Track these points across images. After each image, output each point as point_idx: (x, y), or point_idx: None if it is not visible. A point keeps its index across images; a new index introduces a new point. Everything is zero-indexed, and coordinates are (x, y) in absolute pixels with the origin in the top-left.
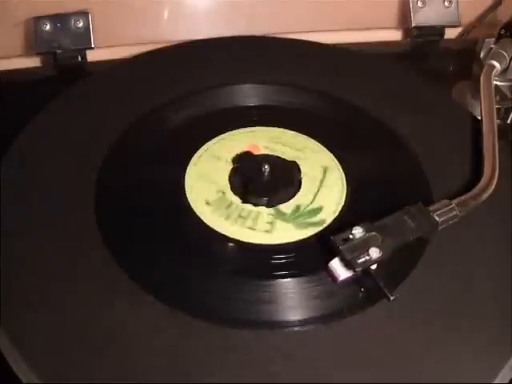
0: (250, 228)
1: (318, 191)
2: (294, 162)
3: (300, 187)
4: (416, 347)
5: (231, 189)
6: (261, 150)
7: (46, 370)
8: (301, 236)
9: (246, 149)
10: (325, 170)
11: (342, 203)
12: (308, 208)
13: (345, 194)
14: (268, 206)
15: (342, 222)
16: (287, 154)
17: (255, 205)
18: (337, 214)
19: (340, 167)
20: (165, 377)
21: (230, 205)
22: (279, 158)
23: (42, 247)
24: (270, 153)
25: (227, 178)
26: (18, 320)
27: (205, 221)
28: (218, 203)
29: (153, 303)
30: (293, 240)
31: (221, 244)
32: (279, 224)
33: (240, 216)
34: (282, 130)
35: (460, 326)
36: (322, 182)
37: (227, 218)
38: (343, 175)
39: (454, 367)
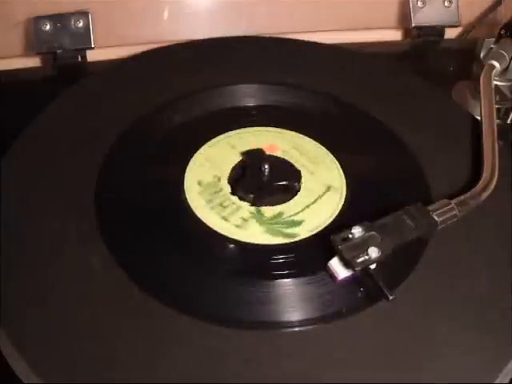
0: (224, 218)
1: (309, 206)
2: (299, 171)
3: (293, 197)
4: (416, 347)
5: (228, 177)
6: (278, 152)
7: (46, 369)
8: (267, 241)
9: (264, 147)
10: (327, 189)
11: (324, 225)
12: (288, 218)
13: (335, 215)
14: (253, 204)
15: (314, 241)
16: (299, 162)
17: (241, 199)
18: (312, 232)
19: (344, 189)
20: (164, 377)
21: (218, 191)
22: (288, 163)
23: (42, 247)
24: (285, 157)
25: (231, 167)
26: (17, 320)
27: (188, 199)
28: (209, 186)
29: (151, 304)
30: (258, 242)
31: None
32: (252, 223)
33: (221, 204)
34: (308, 139)
35: (460, 326)
36: (318, 198)
37: (208, 202)
38: (343, 198)
39: (454, 367)
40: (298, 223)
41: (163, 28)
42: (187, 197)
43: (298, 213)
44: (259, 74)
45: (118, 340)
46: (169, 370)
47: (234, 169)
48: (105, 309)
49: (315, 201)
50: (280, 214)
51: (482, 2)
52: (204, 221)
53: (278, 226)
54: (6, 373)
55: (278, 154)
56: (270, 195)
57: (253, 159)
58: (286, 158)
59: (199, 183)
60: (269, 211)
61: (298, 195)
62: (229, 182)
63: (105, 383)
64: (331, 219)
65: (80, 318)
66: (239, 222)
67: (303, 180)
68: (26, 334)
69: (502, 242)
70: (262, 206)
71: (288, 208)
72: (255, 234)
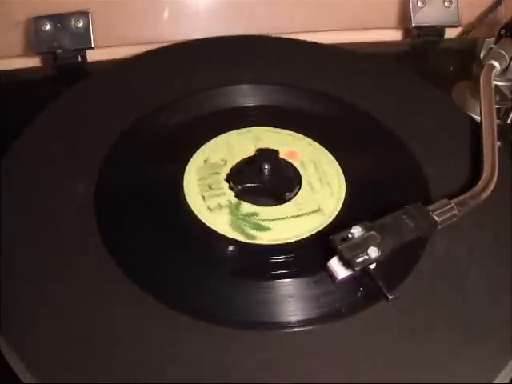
0: (203, 198)
1: (287, 218)
2: (300, 180)
3: (278, 204)
4: (415, 347)
5: (234, 165)
6: (295, 159)
7: (42, 369)
8: (224, 232)
9: (286, 151)
10: (316, 210)
11: (288, 240)
12: (258, 220)
13: (304, 235)
14: (236, 195)
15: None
16: (311, 177)
17: (230, 188)
18: (271, 242)
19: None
20: (163, 377)
21: (215, 173)
22: (295, 171)
23: (41, 247)
24: (299, 166)
25: (244, 157)
26: (16, 320)
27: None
28: (209, 166)
29: (151, 303)
30: (216, 229)
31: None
32: (223, 212)
33: (209, 185)
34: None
35: (460, 326)
36: (303, 215)
37: (201, 179)
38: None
39: (454, 367)
40: (263, 228)
41: (163, 28)
42: (186, 195)
43: (270, 220)
44: (260, 74)
45: (117, 340)
46: (167, 370)
47: (244, 160)
48: (103, 309)
49: (298, 216)
50: (254, 214)
51: (482, 2)
52: (186, 195)
53: (242, 223)
54: (6, 373)
55: (293, 160)
56: (254, 194)
57: (261, 157)
58: (300, 168)
59: (205, 161)
60: (247, 207)
61: (284, 204)
62: (230, 170)
63: (104, 383)
64: (298, 238)
65: (78, 319)
66: (213, 206)
67: (300, 193)
68: (24, 335)
69: (502, 241)
70: (242, 200)
71: (266, 212)
72: (218, 221)
